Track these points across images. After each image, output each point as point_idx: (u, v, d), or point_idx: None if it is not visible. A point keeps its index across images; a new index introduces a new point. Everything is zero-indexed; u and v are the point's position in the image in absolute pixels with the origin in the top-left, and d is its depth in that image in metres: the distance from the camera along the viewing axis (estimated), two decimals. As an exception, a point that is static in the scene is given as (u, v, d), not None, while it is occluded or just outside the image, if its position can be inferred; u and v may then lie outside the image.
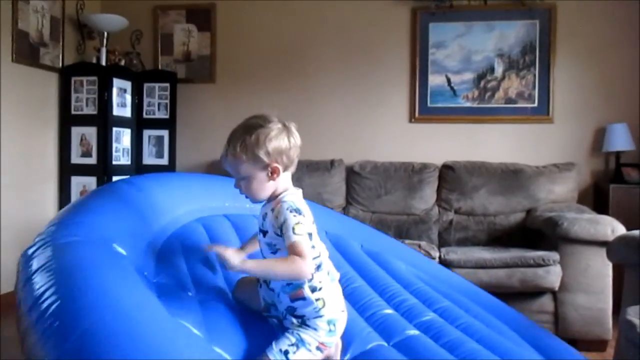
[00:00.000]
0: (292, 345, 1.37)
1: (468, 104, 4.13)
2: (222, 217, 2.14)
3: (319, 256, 1.41)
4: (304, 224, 1.34)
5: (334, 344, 1.51)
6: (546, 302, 3.03)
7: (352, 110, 4.25)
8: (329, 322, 1.41)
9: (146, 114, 4.23)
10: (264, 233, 1.42)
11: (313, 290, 1.39)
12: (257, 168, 1.38)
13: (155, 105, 4.23)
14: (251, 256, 1.57)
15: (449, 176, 3.79)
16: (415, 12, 4.15)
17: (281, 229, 1.34)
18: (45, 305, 1.12)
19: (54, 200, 3.98)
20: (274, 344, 1.37)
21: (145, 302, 1.20)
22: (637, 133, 3.85)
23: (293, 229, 1.32)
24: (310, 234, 1.36)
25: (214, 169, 4.27)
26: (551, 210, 3.44)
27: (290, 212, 1.34)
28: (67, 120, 3.99)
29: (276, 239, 1.38)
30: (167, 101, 4.23)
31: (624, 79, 3.93)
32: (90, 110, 3.95)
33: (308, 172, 3.81)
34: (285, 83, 4.28)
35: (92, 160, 3.94)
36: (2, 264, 3.42)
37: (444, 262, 3.09)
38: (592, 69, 4.00)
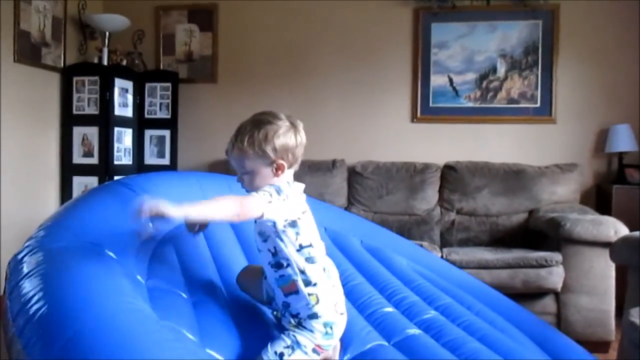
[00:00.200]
0: (288, 347, 1.36)
1: (470, 105, 4.12)
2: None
3: (310, 245, 1.40)
4: (271, 197, 1.32)
5: (332, 346, 1.49)
6: (548, 303, 3.02)
7: (354, 110, 4.24)
8: (325, 325, 1.39)
9: (148, 114, 4.23)
10: (255, 220, 1.42)
11: (307, 284, 1.39)
12: (263, 164, 1.39)
13: (157, 105, 4.23)
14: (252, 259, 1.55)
15: (451, 176, 3.78)
16: (417, 12, 4.14)
17: None
18: (31, 312, 1.12)
19: (55, 200, 3.98)
20: (269, 345, 1.37)
21: (131, 307, 1.18)
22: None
23: (260, 192, 1.33)
24: (294, 222, 1.36)
25: (216, 168, 4.26)
26: (553, 211, 3.43)
27: (269, 185, 1.36)
28: (68, 120, 3.98)
29: (265, 225, 1.38)
30: (169, 101, 4.22)
31: (627, 79, 3.92)
32: (92, 110, 3.94)
33: (310, 172, 3.80)
34: (287, 83, 4.27)
35: (94, 160, 3.94)
36: (3, 264, 3.42)
37: (446, 263, 3.09)
38: (595, 70, 3.99)
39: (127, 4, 4.37)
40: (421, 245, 3.19)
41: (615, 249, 2.41)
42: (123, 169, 4.02)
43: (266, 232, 1.39)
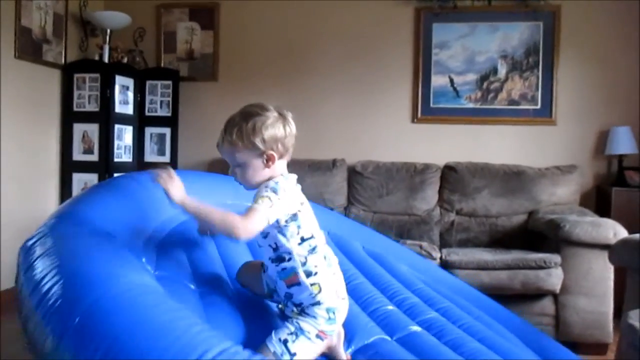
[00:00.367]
0: (292, 334, 1.37)
1: (471, 105, 4.13)
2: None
3: (311, 237, 1.41)
4: (272, 201, 1.33)
5: (336, 333, 1.51)
6: (547, 304, 3.02)
7: (354, 110, 4.24)
8: (327, 310, 1.41)
9: (148, 111, 4.23)
10: None
11: (308, 275, 1.40)
12: (253, 155, 1.40)
13: (158, 103, 4.23)
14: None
15: (451, 177, 3.78)
16: (418, 12, 4.14)
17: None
18: (47, 287, 1.14)
19: (55, 197, 3.98)
20: (273, 333, 1.38)
21: (146, 283, 1.21)
22: (640, 136, 3.84)
23: (257, 199, 1.34)
24: (295, 215, 1.38)
25: (216, 166, 4.27)
26: (553, 212, 3.43)
27: (265, 187, 1.37)
28: (69, 117, 3.98)
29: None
30: (170, 99, 4.23)
31: (628, 81, 3.92)
32: (93, 107, 3.94)
33: (310, 172, 3.80)
34: (288, 82, 4.27)
35: (94, 157, 3.94)
36: (2, 260, 3.42)
37: (445, 263, 3.09)
38: (595, 71, 3.99)
39: (128, 1, 4.37)
40: (420, 246, 3.20)
41: (614, 251, 2.41)
42: (123, 167, 4.02)
43: (266, 229, 1.39)
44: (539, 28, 4.03)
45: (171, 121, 4.23)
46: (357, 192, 3.86)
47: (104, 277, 1.14)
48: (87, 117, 3.95)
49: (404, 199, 3.77)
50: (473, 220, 3.69)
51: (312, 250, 1.41)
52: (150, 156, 4.23)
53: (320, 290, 1.40)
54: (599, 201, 3.90)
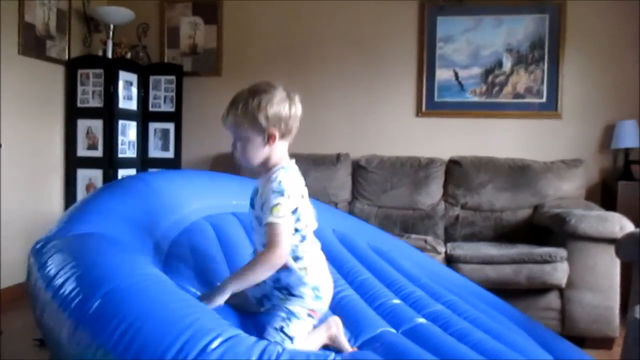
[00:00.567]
0: (284, 319, 1.40)
1: (476, 99, 4.10)
2: (231, 215, 2.14)
3: (305, 227, 1.44)
4: (284, 206, 1.36)
5: (335, 323, 1.54)
6: (553, 299, 3.01)
7: (358, 104, 4.23)
8: (313, 289, 1.44)
9: (152, 107, 4.23)
10: (253, 206, 1.46)
11: (296, 259, 1.43)
12: (255, 131, 1.41)
13: (161, 98, 4.23)
14: None
15: (456, 171, 3.77)
16: (423, 6, 4.12)
17: (262, 207, 1.38)
18: (62, 279, 1.17)
19: (59, 193, 3.99)
20: (268, 326, 1.40)
21: (158, 274, 1.25)
22: (646, 129, 3.81)
23: (271, 210, 1.35)
24: (295, 210, 1.39)
25: (220, 162, 4.27)
26: (559, 206, 3.41)
27: (273, 193, 1.37)
28: (73, 113, 3.99)
29: (263, 214, 1.41)
30: (173, 94, 4.22)
31: (634, 75, 3.89)
32: (96, 103, 3.94)
33: (314, 166, 3.79)
34: (292, 76, 4.25)
35: (98, 153, 3.94)
36: (7, 257, 3.43)
37: (450, 258, 3.08)
38: (601, 65, 3.96)
39: (131, -4, 4.36)
40: (425, 241, 3.19)
41: (621, 245, 2.39)
42: (127, 162, 4.02)
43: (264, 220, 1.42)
44: (545, 21, 4.00)
45: (175, 116, 4.23)
46: (362, 186, 3.85)
47: (118, 269, 1.19)
48: (91, 113, 3.95)
49: (408, 194, 3.76)
50: (478, 215, 3.68)
51: (303, 238, 1.44)
52: (154, 152, 4.23)
53: (307, 273, 1.43)
54: (604, 195, 3.88)
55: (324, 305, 1.48)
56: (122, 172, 3.95)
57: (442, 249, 3.15)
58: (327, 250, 2.19)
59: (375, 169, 3.84)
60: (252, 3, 4.33)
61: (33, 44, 3.67)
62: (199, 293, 1.52)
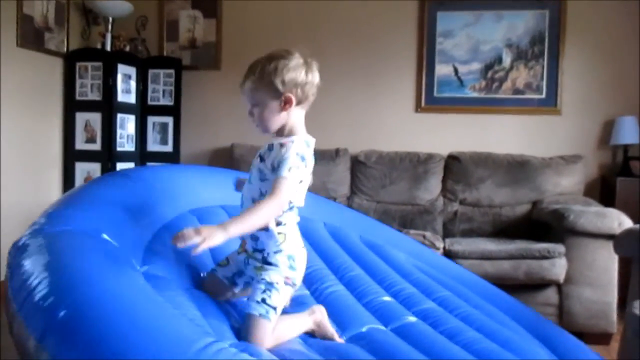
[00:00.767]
0: (264, 291, 1.41)
1: (475, 95, 4.10)
2: (219, 207, 2.13)
3: (298, 201, 1.47)
4: (300, 170, 1.39)
5: (319, 310, 1.58)
6: (551, 294, 3.02)
7: (357, 99, 4.22)
8: (288, 258, 1.46)
9: (151, 100, 4.21)
10: (262, 159, 1.46)
11: (278, 224, 1.45)
12: (271, 96, 1.43)
13: (160, 92, 4.21)
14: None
15: (455, 167, 3.77)
16: (423, 1, 4.10)
17: (279, 163, 1.39)
18: (33, 285, 1.13)
19: (58, 187, 3.98)
20: (249, 300, 1.42)
21: (133, 281, 1.22)
22: (645, 126, 3.81)
23: (289, 168, 1.37)
24: (301, 182, 1.42)
25: (218, 155, 4.27)
26: (557, 202, 3.41)
27: (297, 155, 1.39)
28: (71, 106, 3.97)
29: (269, 170, 1.43)
30: (172, 88, 4.20)
31: (634, 71, 3.88)
32: (95, 96, 3.93)
33: (313, 161, 3.78)
34: (291, 71, 4.24)
35: (97, 146, 3.93)
36: (6, 250, 3.42)
37: (448, 253, 3.08)
38: (601, 61, 3.95)
39: (130, -11, 4.34)
40: (424, 236, 3.19)
41: (619, 241, 2.39)
42: (126, 156, 4.01)
43: (267, 175, 1.44)
44: (545, 17, 3.99)
45: (174, 110, 4.22)
46: (360, 181, 3.85)
47: (88, 277, 1.14)
48: (89, 106, 3.93)
49: (407, 189, 3.76)
50: (477, 210, 3.68)
51: (290, 209, 1.47)
52: (152, 145, 4.22)
53: (284, 240, 1.45)
54: (603, 191, 3.88)
55: (298, 276, 1.49)
56: (120, 166, 3.94)
57: (440, 245, 3.16)
58: (317, 245, 2.19)
59: (374, 164, 3.84)
60: (252, -3, 4.32)
61: (31, 36, 3.65)
62: (178, 282, 1.50)
